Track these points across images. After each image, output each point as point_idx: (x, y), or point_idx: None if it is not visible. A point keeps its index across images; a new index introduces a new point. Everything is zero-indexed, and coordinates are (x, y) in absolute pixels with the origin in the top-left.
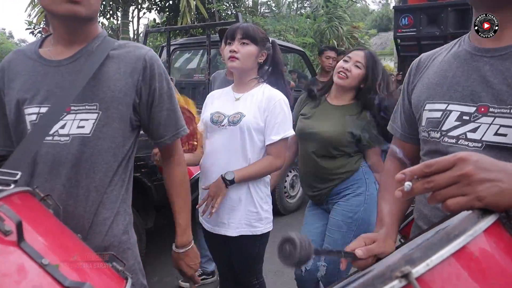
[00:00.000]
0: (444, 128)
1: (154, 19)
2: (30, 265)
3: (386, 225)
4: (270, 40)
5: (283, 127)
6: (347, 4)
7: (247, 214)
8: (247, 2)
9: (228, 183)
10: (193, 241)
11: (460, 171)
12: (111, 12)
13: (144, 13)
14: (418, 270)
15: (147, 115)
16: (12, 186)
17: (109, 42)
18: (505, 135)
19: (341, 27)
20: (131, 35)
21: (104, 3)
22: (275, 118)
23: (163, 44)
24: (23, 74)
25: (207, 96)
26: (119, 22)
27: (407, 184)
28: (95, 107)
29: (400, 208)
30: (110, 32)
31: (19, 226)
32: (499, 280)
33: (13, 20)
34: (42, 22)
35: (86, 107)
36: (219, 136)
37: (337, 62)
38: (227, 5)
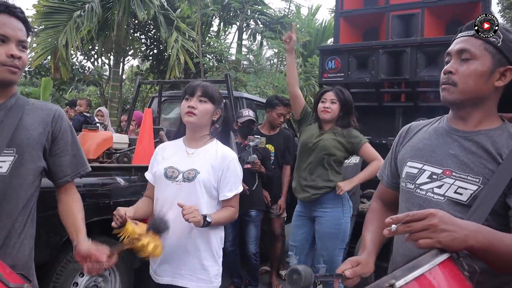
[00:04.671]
0: (418, 182)
1: (138, 66)
2: None
3: (368, 250)
4: (224, 101)
5: (235, 185)
6: None
7: (203, 265)
8: (229, 58)
9: (206, 224)
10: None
11: (429, 222)
12: (95, 56)
13: (128, 60)
14: (399, 283)
15: (53, 160)
16: None
17: (23, 99)
18: (461, 194)
19: (317, 85)
20: None
21: (90, 47)
22: (229, 176)
23: (154, 95)
24: None
25: (158, 147)
26: (106, 68)
27: (393, 226)
28: (12, 151)
29: (379, 238)
30: (96, 76)
31: None
32: None
33: None
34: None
35: (5, 151)
36: (173, 191)
37: (287, 113)
38: (210, 57)
